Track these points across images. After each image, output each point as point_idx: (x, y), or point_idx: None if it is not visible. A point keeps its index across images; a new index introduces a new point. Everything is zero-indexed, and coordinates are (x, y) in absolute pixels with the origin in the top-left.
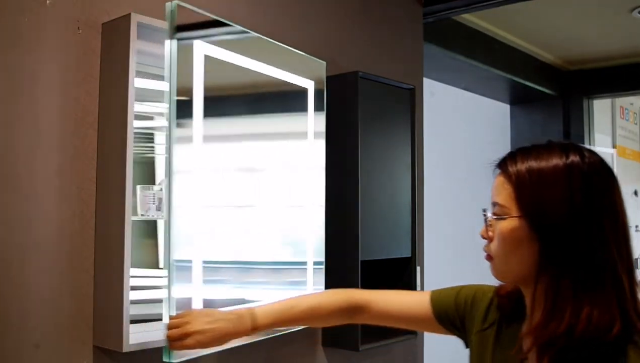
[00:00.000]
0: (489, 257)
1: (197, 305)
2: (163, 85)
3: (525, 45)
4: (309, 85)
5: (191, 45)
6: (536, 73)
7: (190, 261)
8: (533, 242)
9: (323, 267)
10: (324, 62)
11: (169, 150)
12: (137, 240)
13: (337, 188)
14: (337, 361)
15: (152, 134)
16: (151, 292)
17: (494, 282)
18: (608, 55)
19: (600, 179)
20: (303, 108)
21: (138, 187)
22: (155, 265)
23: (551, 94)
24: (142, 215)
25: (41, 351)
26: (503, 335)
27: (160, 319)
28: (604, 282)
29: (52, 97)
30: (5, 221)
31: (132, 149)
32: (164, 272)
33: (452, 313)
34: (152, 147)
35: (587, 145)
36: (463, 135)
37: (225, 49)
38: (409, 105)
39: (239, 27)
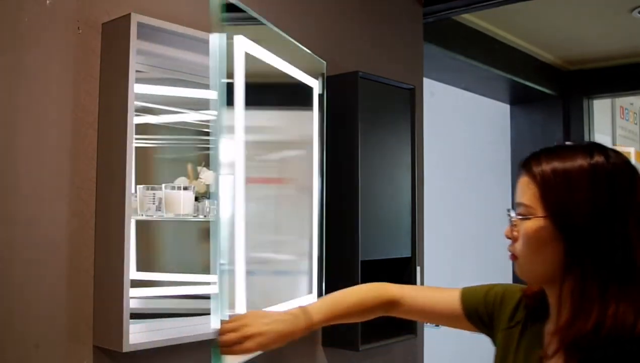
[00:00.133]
0: (514, 257)
1: (241, 307)
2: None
3: (525, 45)
4: (314, 84)
5: (232, 41)
6: (536, 73)
7: (236, 262)
8: (558, 241)
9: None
10: (324, 62)
11: (218, 149)
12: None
13: (337, 188)
14: (337, 361)
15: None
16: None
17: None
18: (608, 55)
19: (624, 179)
20: (309, 107)
21: (138, 187)
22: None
23: (551, 94)
24: (142, 215)
25: (41, 351)
26: (527, 334)
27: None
28: (629, 280)
29: (52, 97)
30: (5, 221)
31: (132, 149)
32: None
33: (481, 310)
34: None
35: None
36: (463, 135)
37: (260, 45)
38: (409, 105)
39: (271, 25)
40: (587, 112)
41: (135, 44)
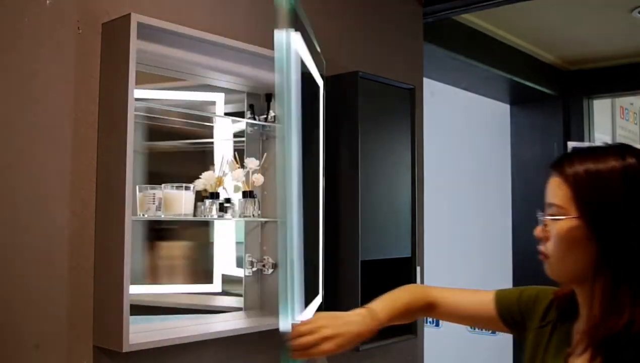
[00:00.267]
0: (544, 257)
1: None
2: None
3: (525, 45)
4: (321, 83)
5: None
6: (536, 73)
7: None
8: (590, 242)
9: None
10: (324, 61)
11: (287, 148)
12: None
13: (337, 188)
14: (337, 361)
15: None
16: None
17: (494, 281)
18: (608, 55)
19: None
20: (317, 105)
21: (138, 186)
22: None
23: (551, 94)
24: (142, 215)
25: (41, 351)
26: (557, 333)
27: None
28: None
29: (52, 97)
30: (5, 221)
31: (132, 149)
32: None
33: (514, 311)
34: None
35: (587, 145)
36: (463, 135)
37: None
38: (409, 105)
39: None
40: (587, 112)
41: (135, 44)
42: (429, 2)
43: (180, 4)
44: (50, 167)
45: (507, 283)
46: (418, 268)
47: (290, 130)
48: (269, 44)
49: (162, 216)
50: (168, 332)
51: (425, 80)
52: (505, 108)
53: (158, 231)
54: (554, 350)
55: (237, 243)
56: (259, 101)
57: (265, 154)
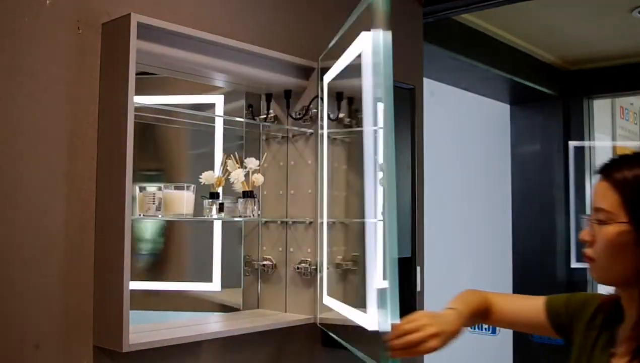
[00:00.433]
0: (590, 260)
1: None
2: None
3: (525, 45)
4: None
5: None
6: (536, 73)
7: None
8: (638, 247)
9: None
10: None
11: (389, 150)
12: None
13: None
14: (337, 361)
15: None
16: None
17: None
18: (608, 55)
19: None
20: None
21: (138, 186)
22: None
23: (551, 94)
24: (142, 215)
25: (41, 351)
26: (602, 336)
27: None
28: None
29: (52, 97)
30: (5, 221)
31: (132, 149)
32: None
33: (563, 314)
34: None
35: (587, 145)
36: (463, 135)
37: None
38: (409, 105)
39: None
40: (587, 112)
41: (135, 44)
42: (429, 2)
43: (180, 4)
44: (50, 167)
45: (507, 283)
46: (418, 268)
47: (392, 132)
48: (269, 44)
49: (162, 216)
50: (168, 332)
51: (425, 80)
52: (505, 108)
53: (158, 230)
54: (599, 352)
55: (237, 243)
56: (258, 101)
57: (265, 154)
